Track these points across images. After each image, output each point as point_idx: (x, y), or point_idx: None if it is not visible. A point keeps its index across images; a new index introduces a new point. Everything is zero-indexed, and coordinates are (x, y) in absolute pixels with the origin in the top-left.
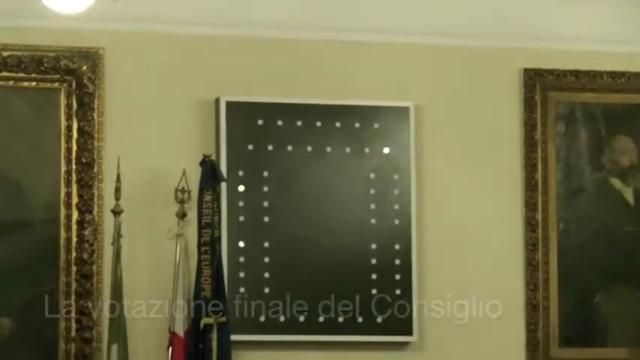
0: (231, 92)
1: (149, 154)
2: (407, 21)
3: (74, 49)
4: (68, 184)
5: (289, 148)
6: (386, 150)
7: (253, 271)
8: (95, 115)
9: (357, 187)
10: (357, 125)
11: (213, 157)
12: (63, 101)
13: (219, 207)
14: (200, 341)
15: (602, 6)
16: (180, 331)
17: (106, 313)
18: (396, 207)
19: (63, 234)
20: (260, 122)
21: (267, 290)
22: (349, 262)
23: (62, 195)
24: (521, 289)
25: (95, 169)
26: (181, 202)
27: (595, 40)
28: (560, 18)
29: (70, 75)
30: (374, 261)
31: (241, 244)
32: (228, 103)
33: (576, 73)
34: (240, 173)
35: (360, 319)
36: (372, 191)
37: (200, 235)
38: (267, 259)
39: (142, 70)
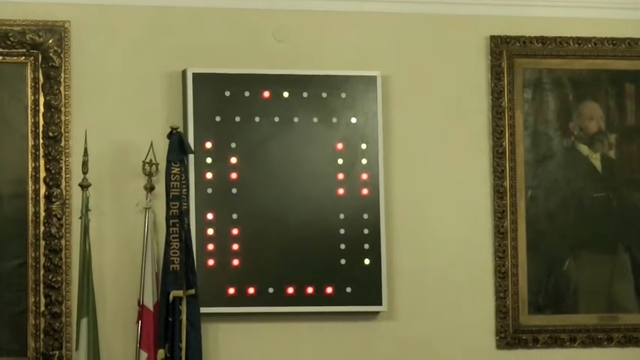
0: (197, 64)
1: (116, 128)
2: None
3: (40, 23)
4: (35, 158)
5: (257, 119)
6: (353, 120)
7: (222, 244)
8: (62, 89)
9: (325, 157)
10: (324, 95)
11: (181, 129)
12: (29, 75)
13: (187, 179)
14: (169, 314)
15: None
16: (149, 304)
17: (75, 288)
18: (364, 177)
19: (31, 208)
20: (227, 93)
21: (235, 262)
22: (318, 232)
23: (30, 169)
24: (489, 256)
25: (62, 143)
26: (149, 174)
27: (561, 6)
28: None
29: (36, 49)
30: (342, 231)
31: (209, 216)
32: (194, 75)
33: (542, 40)
34: (208, 145)
35: (329, 290)
36: (340, 161)
37: (168, 208)
38: (235, 231)
39: (108, 43)
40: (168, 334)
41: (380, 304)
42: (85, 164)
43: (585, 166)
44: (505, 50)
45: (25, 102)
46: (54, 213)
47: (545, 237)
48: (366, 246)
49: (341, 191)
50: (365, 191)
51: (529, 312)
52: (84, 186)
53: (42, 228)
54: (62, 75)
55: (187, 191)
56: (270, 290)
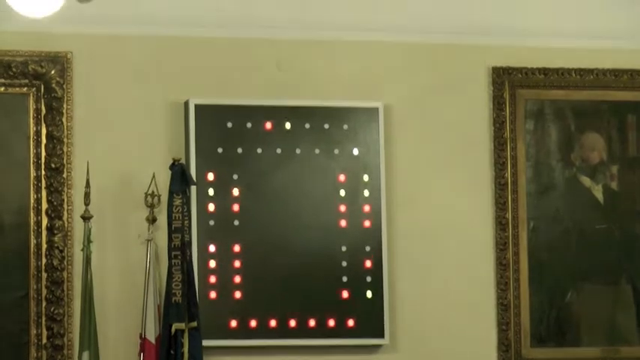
0: (200, 95)
1: (118, 159)
2: (375, 19)
3: (42, 54)
4: (37, 189)
5: (259, 150)
6: (355, 151)
7: (224, 276)
8: (64, 119)
9: (327, 188)
10: (326, 126)
11: (183, 161)
12: (31, 106)
13: (189, 211)
14: (171, 347)
15: (568, 3)
16: (151, 336)
17: (76, 320)
18: (367, 208)
19: (33, 240)
20: (229, 125)
21: (237, 295)
22: (320, 264)
23: (32, 201)
24: (492, 288)
25: (64, 175)
26: (151, 206)
27: (562, 36)
28: (528, 16)
29: (38, 79)
30: (344, 263)
31: (212, 248)
32: (197, 106)
33: (544, 71)
34: (210, 176)
35: (331, 323)
36: (342, 193)
37: (170, 240)
38: (237, 264)
39: (111, 74)
40: None
41: (382, 336)
42: (87, 196)
43: (587, 198)
44: (507, 81)
45: (28, 133)
46: (56, 245)
47: (547, 269)
48: (368, 278)
49: (343, 223)
50: (367, 223)
51: (531, 344)
52: (86, 218)
53: (44, 260)
54: (64, 106)
55: (189, 223)
56: (272, 323)
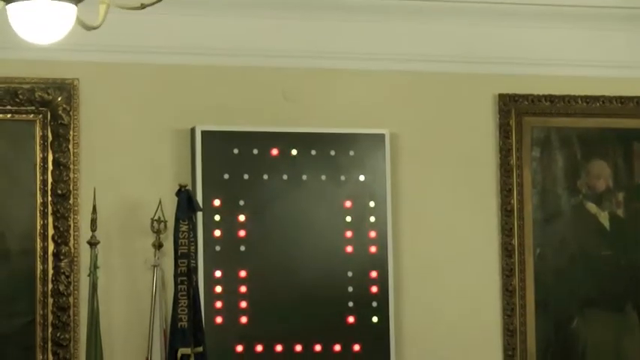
0: (206, 121)
1: (125, 185)
2: (382, 48)
3: (49, 81)
4: (44, 216)
5: (265, 176)
6: (362, 177)
7: (230, 301)
8: (70, 146)
9: (333, 215)
10: (332, 153)
11: (189, 187)
12: (38, 133)
13: (195, 237)
14: None
15: (575, 30)
16: None
17: (83, 345)
18: (372, 234)
19: (39, 266)
20: (235, 151)
21: (244, 320)
22: (326, 290)
23: (38, 227)
24: (498, 314)
25: (71, 201)
26: (157, 232)
27: (569, 64)
28: (534, 43)
29: (45, 106)
30: (350, 289)
31: (218, 273)
32: (203, 133)
33: (551, 98)
34: (216, 203)
35: (337, 348)
36: (348, 219)
37: (176, 266)
38: (243, 289)
39: (117, 101)
40: None
41: None
42: (93, 222)
43: (593, 225)
44: (513, 108)
45: (34, 160)
46: (62, 270)
47: (554, 295)
48: (374, 304)
49: (349, 249)
50: (373, 249)
51: None
52: (92, 243)
53: (50, 285)
54: (71, 133)
55: (196, 249)
56: (279, 348)
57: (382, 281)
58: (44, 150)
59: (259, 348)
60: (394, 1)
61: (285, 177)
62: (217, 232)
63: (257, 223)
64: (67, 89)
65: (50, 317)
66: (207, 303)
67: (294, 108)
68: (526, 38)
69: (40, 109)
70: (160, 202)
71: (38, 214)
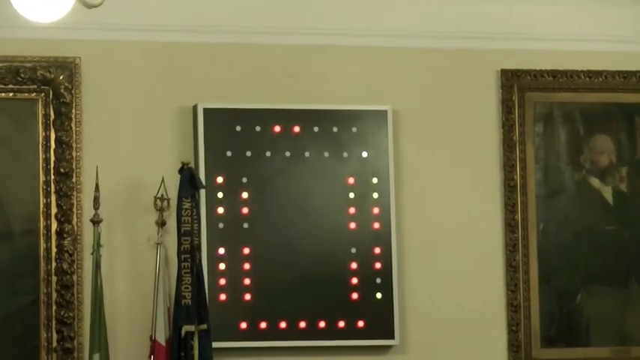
0: (208, 99)
1: (127, 163)
2: (383, 24)
3: (51, 59)
4: (47, 194)
5: (268, 153)
6: (364, 154)
7: (233, 278)
8: (73, 124)
9: (336, 191)
10: (335, 130)
11: (192, 164)
12: (40, 111)
13: (198, 214)
14: (182, 349)
15: (577, 5)
16: (161, 339)
17: (86, 323)
18: (376, 211)
19: (42, 244)
20: (238, 128)
21: (247, 297)
22: (329, 267)
23: (41, 206)
24: (501, 290)
25: (74, 179)
26: (160, 210)
27: (571, 39)
28: (536, 18)
29: (46, 85)
30: (354, 265)
31: (221, 251)
32: (205, 110)
33: (553, 73)
34: (219, 180)
35: (341, 324)
36: (352, 195)
37: (180, 243)
38: (247, 266)
39: (119, 79)
40: None
41: (392, 337)
42: (96, 200)
43: (597, 200)
44: (516, 84)
45: (36, 138)
46: (65, 249)
47: (557, 270)
48: (378, 280)
49: (352, 225)
50: (376, 225)
51: (541, 345)
52: (95, 222)
53: (54, 264)
54: (73, 111)
55: (199, 226)
56: (282, 325)
57: (386, 258)
58: (46, 129)
59: (263, 325)
60: None
61: (287, 154)
62: (220, 210)
63: (260, 201)
64: (68, 68)
65: (54, 295)
66: (211, 280)
67: (297, 85)
68: (528, 13)
69: (42, 87)
70: (163, 179)
71: (41, 192)
